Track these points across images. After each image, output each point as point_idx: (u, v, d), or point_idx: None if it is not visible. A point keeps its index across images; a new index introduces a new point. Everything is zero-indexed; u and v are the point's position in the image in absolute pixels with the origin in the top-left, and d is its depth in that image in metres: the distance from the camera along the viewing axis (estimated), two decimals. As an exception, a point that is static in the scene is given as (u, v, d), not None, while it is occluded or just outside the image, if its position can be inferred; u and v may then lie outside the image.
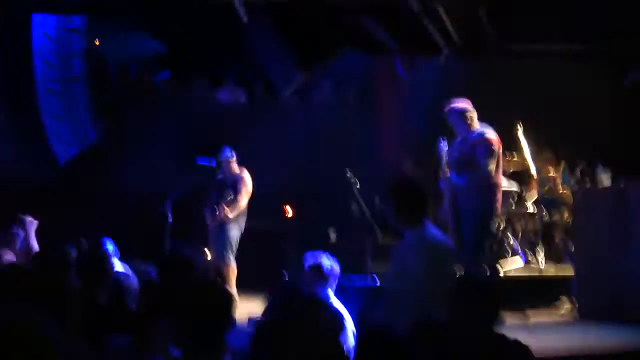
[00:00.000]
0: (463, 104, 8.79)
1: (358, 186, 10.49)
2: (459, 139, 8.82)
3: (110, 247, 10.15)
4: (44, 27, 13.54)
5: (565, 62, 12.61)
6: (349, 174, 10.48)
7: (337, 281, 7.03)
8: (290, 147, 13.56)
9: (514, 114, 11.29)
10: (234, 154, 11.31)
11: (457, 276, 4.74)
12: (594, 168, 11.15)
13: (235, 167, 11.29)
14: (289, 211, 14.08)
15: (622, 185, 9.35)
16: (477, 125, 8.71)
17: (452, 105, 8.82)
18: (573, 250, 10.51)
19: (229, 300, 4.31)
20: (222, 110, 14.30)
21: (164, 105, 14.71)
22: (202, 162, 11.33)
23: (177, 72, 15.33)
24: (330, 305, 3.94)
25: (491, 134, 8.63)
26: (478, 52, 12.44)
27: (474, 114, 8.72)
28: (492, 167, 8.52)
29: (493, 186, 8.61)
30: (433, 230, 6.35)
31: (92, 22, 13.73)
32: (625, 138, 11.95)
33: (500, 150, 8.70)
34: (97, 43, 14.70)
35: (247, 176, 11.19)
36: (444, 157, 8.90)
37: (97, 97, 14.04)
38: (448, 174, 8.83)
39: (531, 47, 12.61)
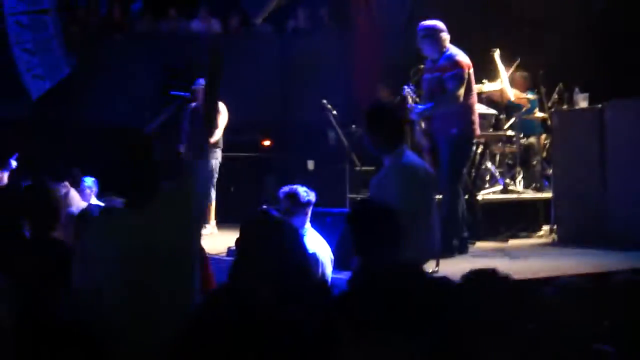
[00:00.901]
0: (434, 23, 8.60)
1: (334, 114, 10.39)
2: (429, 61, 8.68)
3: (89, 181, 10.09)
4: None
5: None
6: (324, 102, 10.37)
7: (311, 209, 7.00)
8: (266, 76, 13.43)
9: (489, 36, 11.16)
10: (209, 83, 11.21)
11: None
12: (570, 91, 11.08)
13: (209, 96, 11.19)
14: (267, 142, 14.03)
15: (599, 106, 9.28)
16: (447, 47, 8.54)
17: (422, 25, 8.63)
18: (551, 173, 10.49)
19: None
20: (196, 41, 14.09)
21: (137, 36, 14.54)
22: (176, 92, 11.23)
23: (149, 3, 15.13)
24: (299, 233, 3.94)
25: (460, 57, 8.45)
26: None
27: (444, 35, 8.53)
28: (461, 91, 8.36)
29: (465, 109, 8.46)
30: (410, 155, 6.32)
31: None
32: (601, 61, 11.89)
33: (471, 72, 8.53)
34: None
35: (221, 105, 11.10)
36: (410, 102, 8.72)
37: (68, 30, 13.83)
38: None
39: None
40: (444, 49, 8.49)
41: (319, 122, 11.06)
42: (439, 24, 8.54)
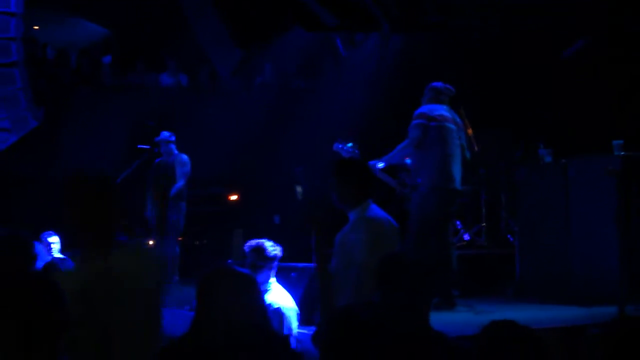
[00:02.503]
0: (431, 83, 8.76)
1: (302, 169, 10.42)
2: None
3: (53, 237, 10.05)
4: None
5: (505, 37, 12.45)
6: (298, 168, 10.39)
7: (277, 263, 7.00)
8: (232, 130, 13.46)
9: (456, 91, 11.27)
10: (172, 136, 11.25)
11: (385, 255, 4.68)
12: (535, 147, 11.18)
13: (173, 148, 11.22)
14: (234, 196, 14.02)
15: (563, 162, 9.34)
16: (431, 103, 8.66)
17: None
18: (516, 228, 10.53)
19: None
20: (164, 95, 14.13)
21: (106, 90, 14.54)
22: (143, 146, 11.23)
23: (118, 57, 15.16)
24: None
25: (424, 109, 8.58)
26: (417, 27, 12.19)
27: (431, 93, 8.67)
28: (419, 140, 8.43)
29: (432, 159, 8.48)
30: (375, 209, 6.32)
31: (29, 6, 13.44)
32: (565, 116, 11.98)
33: (442, 126, 8.55)
34: (36, 28, 14.47)
35: (185, 158, 11.15)
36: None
37: (36, 83, 13.76)
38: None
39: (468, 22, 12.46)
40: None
41: (287, 176, 11.09)
42: (434, 85, 8.75)
